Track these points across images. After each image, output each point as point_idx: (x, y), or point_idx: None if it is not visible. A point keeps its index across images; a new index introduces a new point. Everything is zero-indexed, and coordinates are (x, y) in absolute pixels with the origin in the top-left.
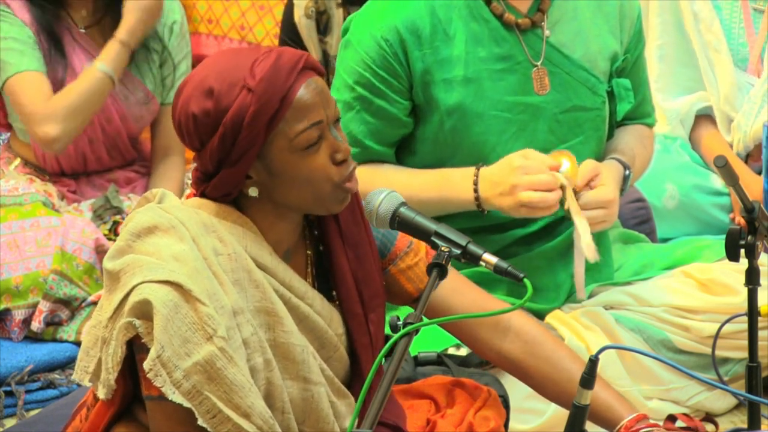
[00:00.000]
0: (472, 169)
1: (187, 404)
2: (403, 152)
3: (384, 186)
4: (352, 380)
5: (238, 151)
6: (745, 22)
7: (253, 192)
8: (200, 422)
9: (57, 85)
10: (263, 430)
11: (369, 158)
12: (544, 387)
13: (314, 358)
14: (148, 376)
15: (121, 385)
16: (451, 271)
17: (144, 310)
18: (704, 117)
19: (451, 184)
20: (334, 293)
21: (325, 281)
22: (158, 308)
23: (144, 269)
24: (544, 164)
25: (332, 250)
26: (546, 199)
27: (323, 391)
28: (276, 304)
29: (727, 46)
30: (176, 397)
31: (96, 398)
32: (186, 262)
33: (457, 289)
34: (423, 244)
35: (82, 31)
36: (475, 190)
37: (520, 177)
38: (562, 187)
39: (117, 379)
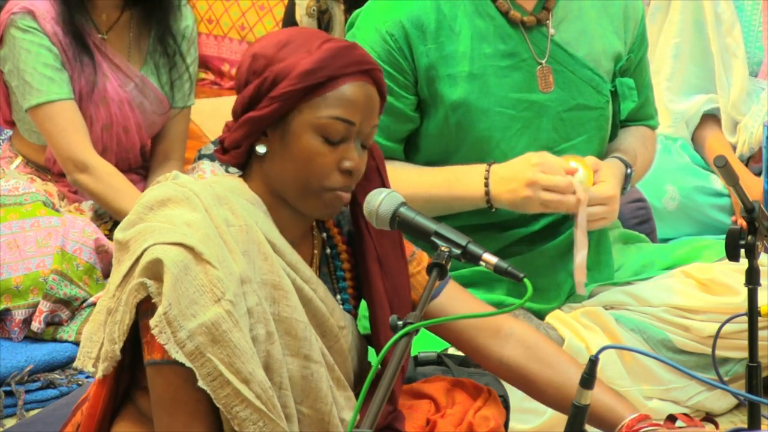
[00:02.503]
0: (482, 166)
1: (188, 364)
2: (408, 148)
3: (392, 183)
4: (361, 385)
5: (269, 100)
6: (764, 26)
7: (261, 149)
8: (200, 384)
9: (89, 87)
10: (261, 399)
11: None
12: (546, 392)
13: (316, 340)
14: (152, 332)
15: (119, 366)
16: (451, 282)
17: (155, 270)
18: (710, 117)
19: (460, 181)
20: (338, 297)
21: (327, 282)
22: (168, 267)
23: (156, 233)
24: (561, 167)
25: (371, 276)
26: (564, 202)
27: (323, 371)
28: (283, 279)
29: (744, 50)
30: (179, 356)
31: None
32: (198, 229)
33: (457, 299)
34: (426, 255)
35: (104, 37)
36: (486, 185)
37: (538, 173)
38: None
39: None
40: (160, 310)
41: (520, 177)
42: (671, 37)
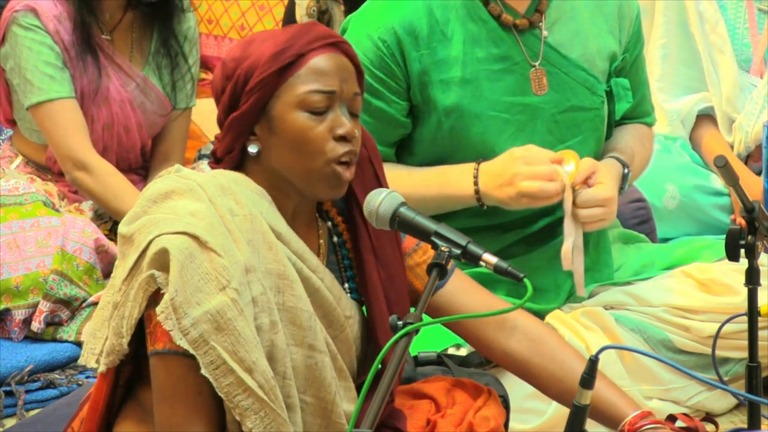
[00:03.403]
0: (472, 164)
1: (192, 352)
2: (402, 153)
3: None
4: (365, 374)
5: (246, 95)
6: (749, 23)
7: (253, 148)
8: (203, 372)
9: (92, 87)
10: (264, 388)
11: None
12: (549, 386)
13: (321, 329)
14: (158, 318)
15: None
16: (457, 272)
17: (162, 261)
18: (705, 117)
19: (451, 180)
20: (345, 285)
21: (336, 271)
22: (174, 254)
23: (160, 224)
24: (545, 156)
25: (365, 266)
26: (545, 189)
27: (327, 360)
28: (287, 268)
29: (731, 47)
30: (182, 343)
31: None
32: (202, 218)
33: (463, 289)
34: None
35: (107, 38)
36: (475, 183)
37: (521, 167)
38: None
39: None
40: (166, 296)
41: (505, 172)
42: (657, 39)
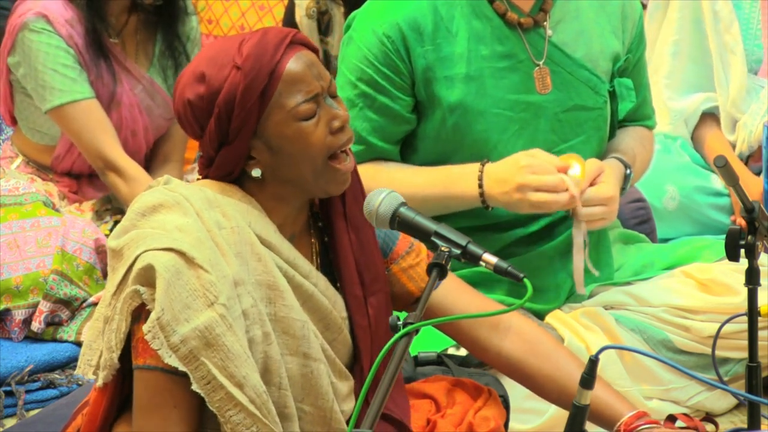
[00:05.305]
0: (476, 166)
1: (182, 368)
2: (405, 150)
3: (387, 184)
4: (353, 365)
5: (234, 129)
6: (762, 24)
7: (255, 173)
8: (194, 387)
9: (107, 92)
10: (255, 403)
11: (373, 156)
12: (544, 387)
13: (315, 336)
14: (146, 337)
15: (119, 372)
16: (449, 274)
17: (148, 277)
18: (709, 116)
19: (455, 181)
20: (339, 285)
21: (329, 273)
22: (160, 272)
23: (147, 240)
24: (551, 164)
25: (335, 231)
26: (557, 201)
27: (323, 368)
28: (278, 278)
29: (743, 48)
30: (172, 360)
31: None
32: (189, 233)
33: (455, 291)
34: (424, 246)
35: (115, 41)
36: (480, 186)
37: (527, 176)
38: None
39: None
40: (153, 315)
41: (510, 180)
42: (670, 35)
